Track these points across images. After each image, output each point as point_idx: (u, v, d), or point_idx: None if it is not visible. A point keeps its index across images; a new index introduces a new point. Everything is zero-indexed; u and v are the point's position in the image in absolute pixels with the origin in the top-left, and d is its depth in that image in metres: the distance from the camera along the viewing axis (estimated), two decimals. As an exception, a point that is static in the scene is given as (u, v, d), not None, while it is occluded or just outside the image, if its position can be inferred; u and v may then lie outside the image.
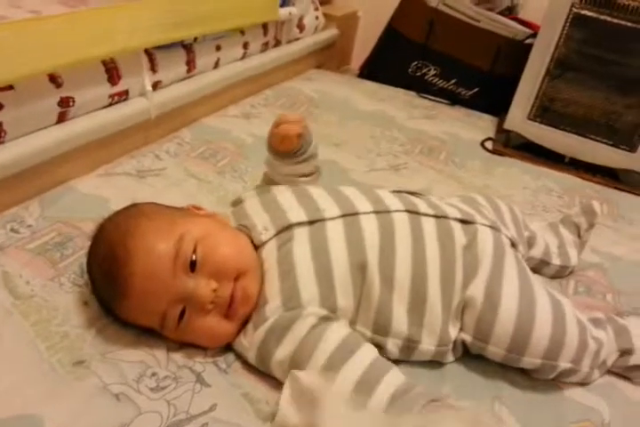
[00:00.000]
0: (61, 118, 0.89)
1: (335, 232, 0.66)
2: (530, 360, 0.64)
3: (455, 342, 0.67)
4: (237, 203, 0.75)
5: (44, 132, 0.86)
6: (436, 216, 0.70)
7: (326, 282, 0.63)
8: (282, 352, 0.60)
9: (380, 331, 0.64)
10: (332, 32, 1.78)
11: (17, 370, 0.58)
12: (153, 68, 1.05)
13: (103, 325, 0.65)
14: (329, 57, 1.81)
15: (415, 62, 1.59)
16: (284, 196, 0.72)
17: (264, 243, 0.66)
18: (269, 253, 0.65)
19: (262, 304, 0.63)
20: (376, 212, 0.68)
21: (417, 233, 0.67)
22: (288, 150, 0.75)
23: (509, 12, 1.61)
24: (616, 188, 1.28)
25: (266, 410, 0.58)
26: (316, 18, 1.68)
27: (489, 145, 1.37)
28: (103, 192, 0.88)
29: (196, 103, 1.18)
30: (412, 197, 0.74)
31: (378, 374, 0.57)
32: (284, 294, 0.62)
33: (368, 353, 0.59)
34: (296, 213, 0.68)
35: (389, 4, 1.69)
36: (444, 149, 1.29)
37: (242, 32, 1.33)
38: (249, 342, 0.62)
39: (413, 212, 0.69)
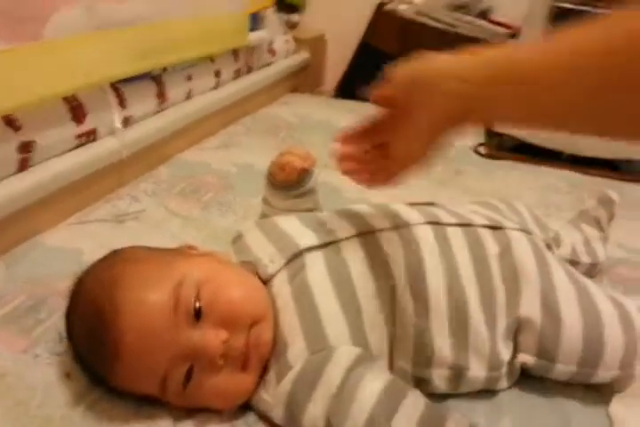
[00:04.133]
0: (23, 166, 0.79)
1: (353, 254, 0.57)
2: (606, 374, 0.56)
3: (510, 366, 0.57)
4: (237, 239, 0.66)
5: (5, 183, 0.76)
6: (460, 225, 0.62)
7: (353, 313, 0.54)
8: (315, 407, 0.49)
9: (422, 362, 0.55)
10: (303, 55, 1.72)
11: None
12: (121, 104, 0.96)
13: (93, 399, 0.54)
14: (303, 80, 1.75)
15: (393, 76, 1.53)
16: (287, 222, 0.64)
17: (272, 276, 0.57)
18: (280, 287, 0.56)
19: (283, 349, 0.53)
20: (395, 227, 0.60)
21: (444, 246, 0.59)
22: (287, 180, 0.69)
23: (483, 16, 1.56)
24: (621, 179, 1.21)
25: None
26: (286, 41, 1.62)
27: (482, 150, 1.30)
28: (76, 244, 0.78)
29: (171, 138, 1.10)
30: (430, 208, 0.66)
31: None
32: (307, 333, 0.52)
33: (415, 406, 0.50)
34: (305, 238, 0.59)
35: (354, 24, 1.65)
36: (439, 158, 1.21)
37: (212, 60, 1.25)
38: (273, 397, 0.52)
39: (436, 223, 0.61)
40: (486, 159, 1.26)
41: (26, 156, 0.79)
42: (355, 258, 0.57)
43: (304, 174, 0.69)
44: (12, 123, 0.77)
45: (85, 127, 0.89)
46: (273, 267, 0.57)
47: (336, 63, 1.83)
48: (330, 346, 0.52)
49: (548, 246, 0.67)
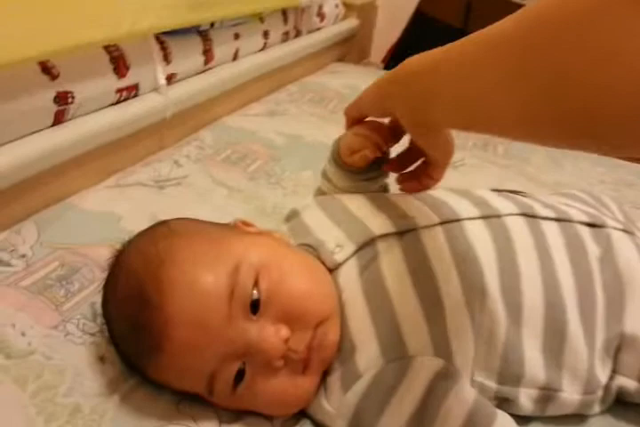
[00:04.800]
0: (59, 119, 0.72)
1: (435, 245, 0.48)
2: None
3: (606, 389, 0.49)
4: (293, 217, 0.58)
5: (38, 137, 0.69)
6: (557, 220, 0.53)
7: (436, 316, 0.45)
8: (388, 426, 0.42)
9: (508, 380, 0.46)
10: (352, 22, 1.61)
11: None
12: (166, 58, 0.88)
13: (128, 388, 0.48)
14: (349, 49, 1.65)
15: (451, 49, 1.42)
16: (356, 203, 0.55)
17: (339, 265, 0.49)
18: (349, 278, 0.48)
19: (350, 352, 0.45)
20: (484, 217, 0.51)
21: (541, 243, 0.50)
22: (358, 165, 0.57)
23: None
24: None
25: None
26: (336, 6, 1.52)
27: (548, 136, 1.20)
28: (114, 208, 0.71)
29: (216, 100, 1.01)
30: (520, 197, 0.57)
31: None
32: (381, 337, 0.45)
33: None
34: (378, 223, 0.50)
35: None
36: (501, 142, 1.12)
37: (261, 19, 1.16)
38: (336, 408, 0.44)
39: (530, 215, 0.52)
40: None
41: (62, 108, 0.71)
42: (437, 251, 0.48)
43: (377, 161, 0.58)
44: (49, 70, 0.69)
45: (127, 81, 0.81)
46: (341, 254, 0.49)
47: (386, 33, 1.72)
48: (409, 355, 0.44)
49: None
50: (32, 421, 0.43)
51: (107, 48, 0.77)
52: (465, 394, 0.43)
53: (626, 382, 0.49)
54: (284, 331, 0.43)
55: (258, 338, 0.42)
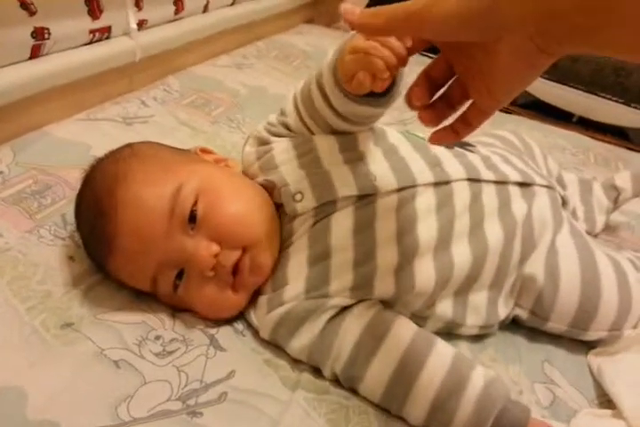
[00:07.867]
0: (35, 53, 0.77)
1: (385, 210, 0.53)
2: (594, 334, 0.58)
3: (504, 319, 0.59)
4: (263, 142, 0.58)
5: (16, 68, 0.74)
6: (496, 182, 0.59)
7: (366, 270, 0.52)
8: (297, 344, 0.51)
9: (420, 315, 0.55)
10: (323, -16, 1.66)
11: (-7, 335, 0.48)
12: (137, 4, 0.93)
13: (94, 282, 0.56)
14: (319, 12, 1.70)
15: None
16: (328, 150, 0.54)
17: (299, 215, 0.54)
18: (302, 224, 0.54)
19: (281, 282, 0.53)
20: (435, 184, 0.55)
21: (477, 210, 0.56)
22: (362, 91, 0.44)
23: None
24: (627, 147, 1.20)
25: (292, 377, 0.50)
26: (308, -33, 1.56)
27: (494, 102, 1.29)
28: (84, 138, 0.77)
29: (184, 49, 1.07)
30: (469, 155, 0.61)
31: (414, 370, 0.48)
32: (310, 281, 0.52)
33: (400, 339, 0.50)
34: (345, 183, 0.53)
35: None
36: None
37: (232, -26, 1.21)
38: (259, 322, 0.53)
39: (475, 179, 0.57)
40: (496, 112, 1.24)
41: (39, 43, 0.77)
42: (385, 218, 0.53)
43: (392, 84, 0.46)
44: (27, 6, 0.74)
45: (100, 23, 0.86)
46: (302, 206, 0.53)
47: (356, -1, 1.77)
48: (327, 296, 0.51)
49: (564, 202, 0.66)
50: (9, 301, 0.51)
51: (81, -10, 0.82)
52: (362, 313, 0.51)
53: (520, 312, 0.59)
54: (215, 247, 0.50)
55: (192, 250, 0.50)
